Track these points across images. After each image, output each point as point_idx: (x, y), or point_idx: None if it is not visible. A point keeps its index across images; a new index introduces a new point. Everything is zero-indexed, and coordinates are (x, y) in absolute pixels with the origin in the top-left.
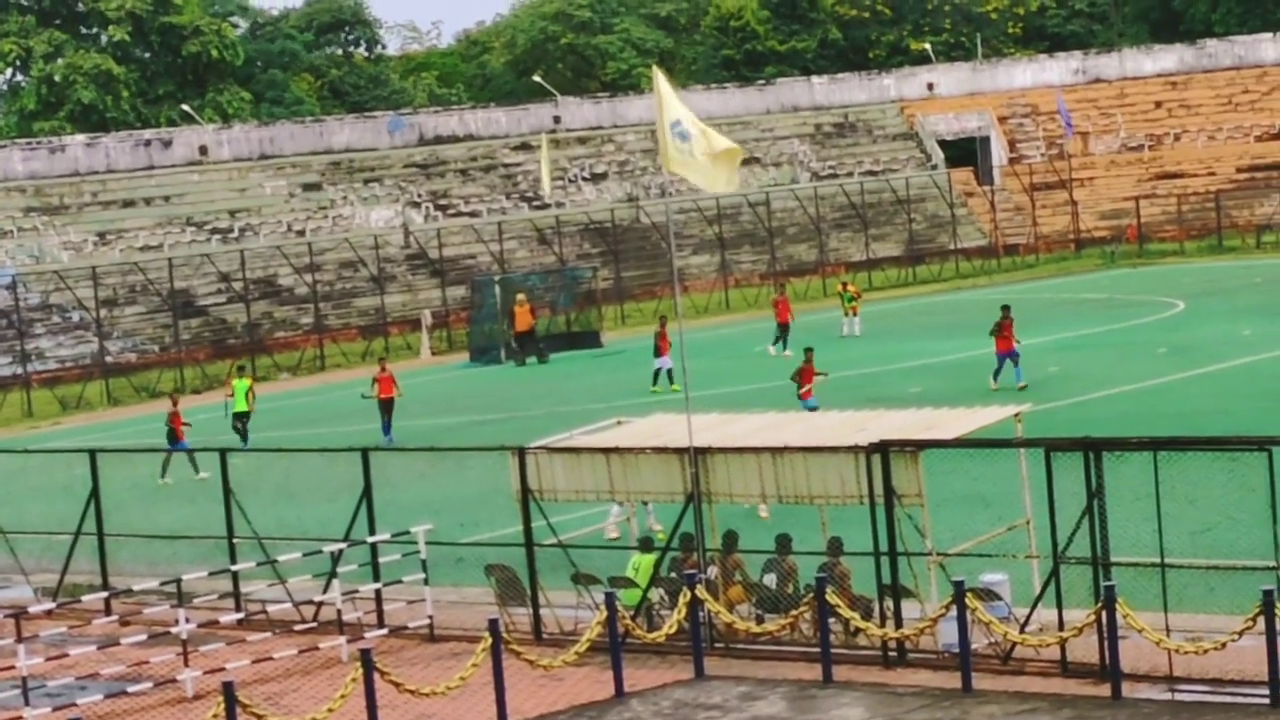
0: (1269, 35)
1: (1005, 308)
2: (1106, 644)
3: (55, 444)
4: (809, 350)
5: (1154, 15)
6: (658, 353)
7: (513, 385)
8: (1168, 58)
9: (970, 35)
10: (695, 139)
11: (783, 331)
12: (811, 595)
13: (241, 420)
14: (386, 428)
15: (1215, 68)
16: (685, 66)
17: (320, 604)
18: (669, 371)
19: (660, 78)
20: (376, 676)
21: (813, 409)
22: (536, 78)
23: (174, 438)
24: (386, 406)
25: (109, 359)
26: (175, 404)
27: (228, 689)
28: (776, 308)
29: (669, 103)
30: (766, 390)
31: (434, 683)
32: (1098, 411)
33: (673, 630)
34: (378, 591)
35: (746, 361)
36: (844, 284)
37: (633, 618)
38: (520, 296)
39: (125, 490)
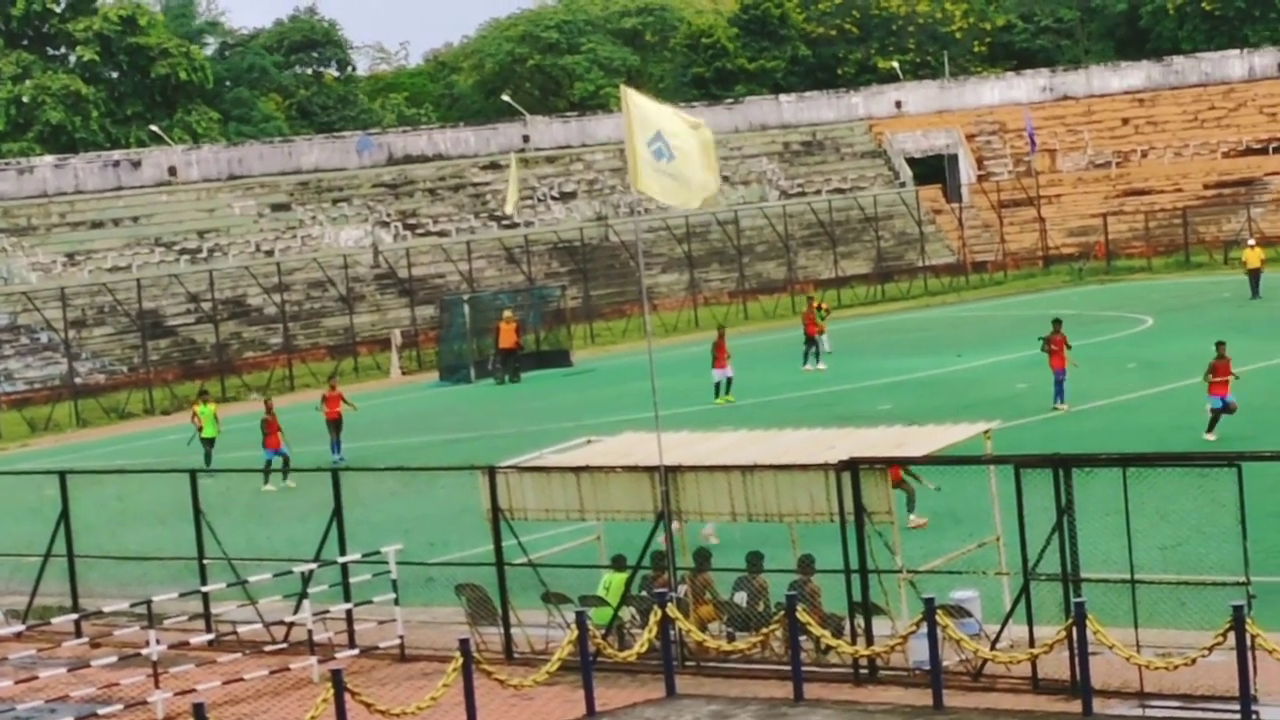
0: (1236, 52)
1: (1056, 322)
2: (1077, 660)
3: (24, 465)
4: (1221, 344)
5: (1120, 32)
6: (715, 364)
7: (483, 404)
8: (1135, 75)
9: (937, 54)
10: (675, 158)
11: (811, 344)
12: (782, 613)
13: (210, 445)
14: (335, 446)
15: (1182, 85)
16: (653, 84)
17: (291, 624)
18: (727, 381)
19: (633, 95)
20: (347, 697)
21: (1218, 408)
22: (505, 97)
23: (266, 443)
24: (335, 425)
25: (78, 380)
26: (270, 410)
27: (198, 710)
28: (806, 320)
29: (645, 119)
30: (737, 408)
31: (405, 703)
32: (1067, 427)
33: (644, 649)
34: (348, 612)
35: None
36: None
37: (604, 636)
38: (507, 314)
39: (95, 511)
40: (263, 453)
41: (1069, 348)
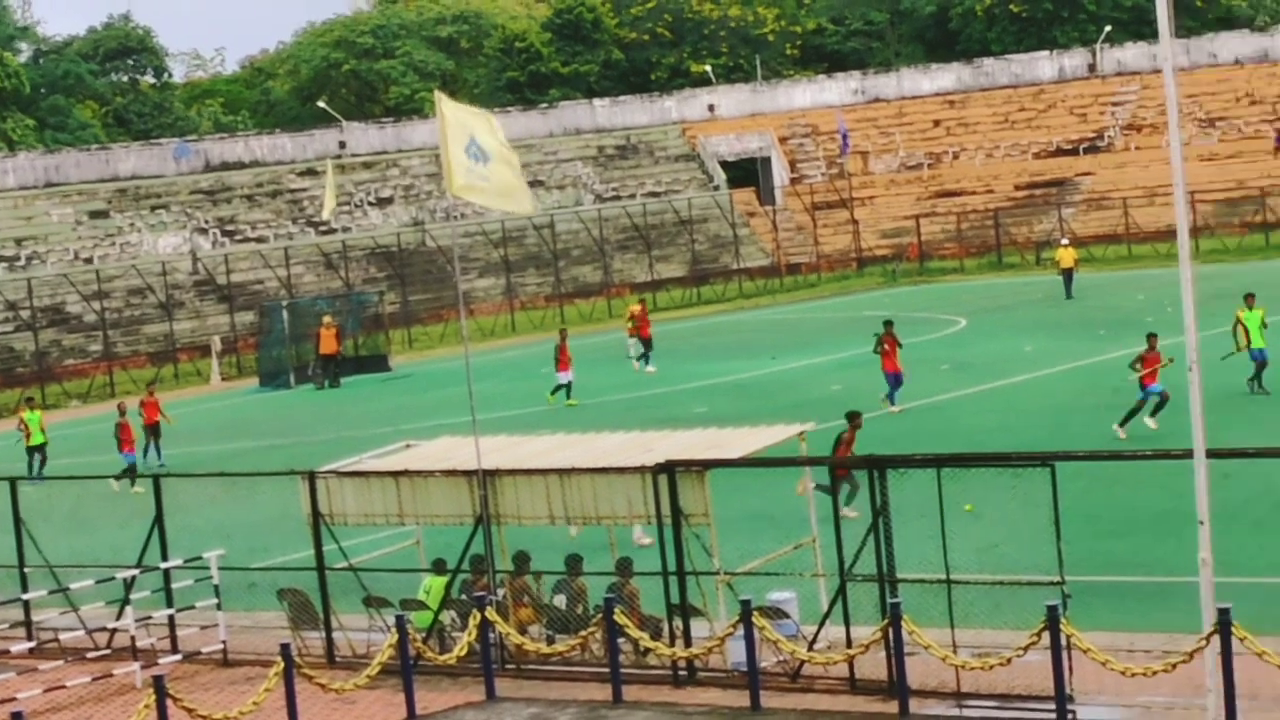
0: (1045, 53)
1: (887, 323)
2: (893, 661)
3: None
4: (1152, 336)
5: (930, 35)
6: (559, 366)
7: (303, 410)
8: (945, 77)
9: (749, 57)
10: (492, 161)
11: (646, 346)
12: (601, 615)
13: (40, 451)
14: (153, 451)
15: (992, 86)
16: (468, 89)
17: (114, 631)
18: (568, 385)
19: (446, 101)
20: (169, 703)
21: (1149, 397)
22: (321, 103)
23: (122, 447)
24: (153, 431)
25: None
26: (123, 413)
27: (18, 719)
28: (640, 322)
29: (460, 124)
30: (555, 411)
31: (228, 708)
32: (882, 429)
33: (463, 652)
34: (171, 617)
35: (534, 383)
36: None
37: (424, 640)
38: (326, 319)
39: None
40: (120, 457)
41: (899, 347)
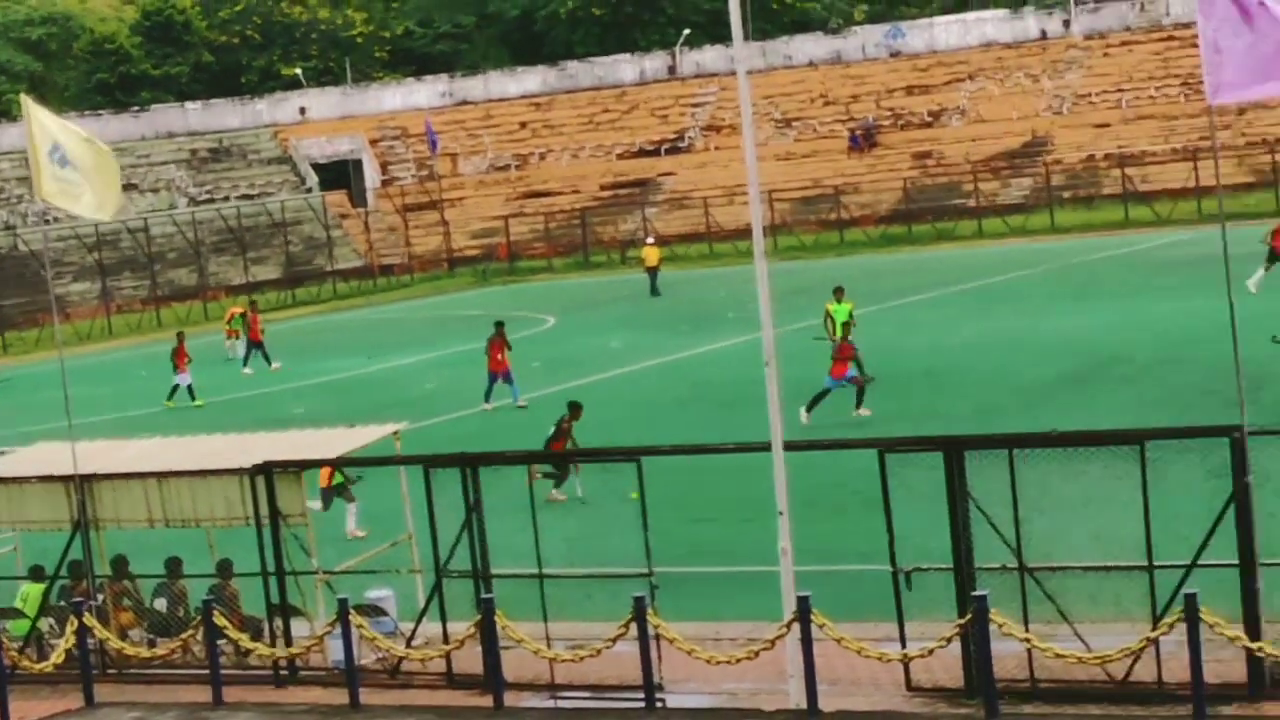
0: (627, 56)
1: (498, 324)
2: (488, 655)
3: None
4: (847, 325)
5: (516, 38)
6: (177, 369)
7: None
8: (531, 79)
9: (339, 60)
10: (79, 165)
11: (256, 348)
12: (201, 617)
13: None
14: None
15: (576, 88)
16: (59, 92)
17: None
18: (189, 388)
19: (32, 104)
20: None
21: (841, 385)
22: None
23: None
24: None
25: None
26: None
27: None
28: (252, 324)
29: (44, 129)
30: (153, 415)
31: None
32: (474, 426)
33: (61, 659)
34: None
35: (131, 386)
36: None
37: (21, 649)
38: None
39: None
40: None
41: (509, 349)
